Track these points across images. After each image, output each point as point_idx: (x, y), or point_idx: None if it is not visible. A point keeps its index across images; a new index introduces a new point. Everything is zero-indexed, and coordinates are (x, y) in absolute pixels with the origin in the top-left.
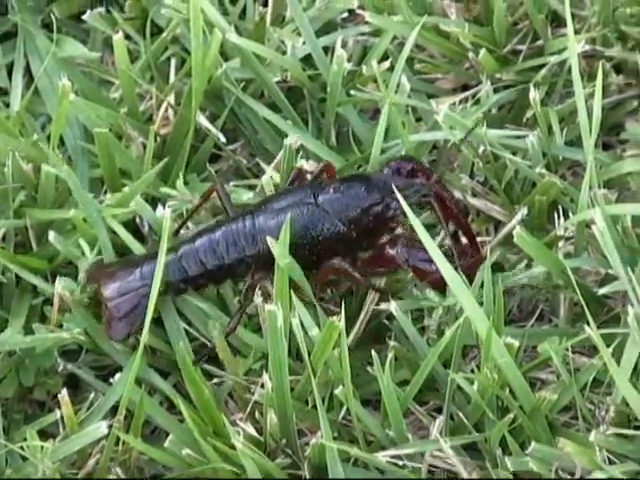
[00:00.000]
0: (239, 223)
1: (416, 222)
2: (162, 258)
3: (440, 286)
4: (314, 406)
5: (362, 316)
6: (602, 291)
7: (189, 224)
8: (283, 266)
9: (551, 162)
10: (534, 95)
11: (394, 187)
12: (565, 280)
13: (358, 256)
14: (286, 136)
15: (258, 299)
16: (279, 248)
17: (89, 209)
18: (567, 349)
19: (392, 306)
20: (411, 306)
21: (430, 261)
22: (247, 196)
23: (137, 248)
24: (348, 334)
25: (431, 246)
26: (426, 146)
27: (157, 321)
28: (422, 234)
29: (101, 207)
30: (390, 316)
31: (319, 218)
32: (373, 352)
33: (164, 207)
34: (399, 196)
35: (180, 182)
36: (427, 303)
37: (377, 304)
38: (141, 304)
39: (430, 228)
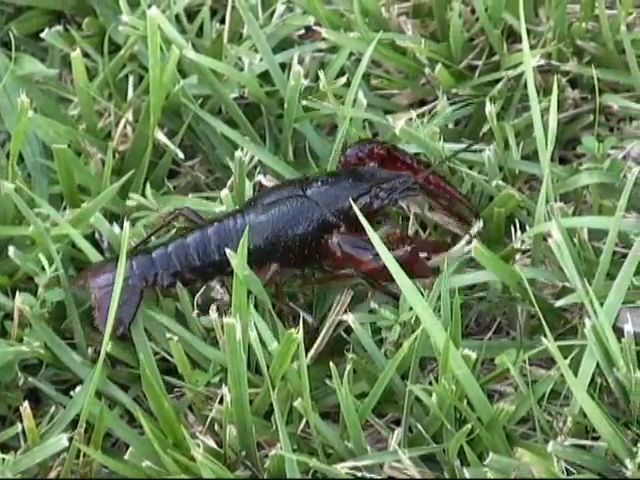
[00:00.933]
0: (230, 220)
1: (357, 213)
2: (121, 271)
3: (379, 275)
4: (274, 418)
5: (325, 329)
6: (559, 303)
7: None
8: (242, 278)
9: (508, 176)
10: (490, 109)
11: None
12: (522, 293)
13: None
14: (242, 150)
15: (214, 314)
16: (238, 259)
17: (36, 226)
18: (524, 361)
19: (350, 319)
20: (369, 319)
21: (366, 249)
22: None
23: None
24: (310, 347)
25: (375, 239)
26: None
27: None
28: (365, 225)
29: (44, 224)
30: (348, 329)
31: (308, 210)
32: (332, 365)
33: (123, 223)
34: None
35: (149, 190)
36: (383, 321)
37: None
38: (130, 294)
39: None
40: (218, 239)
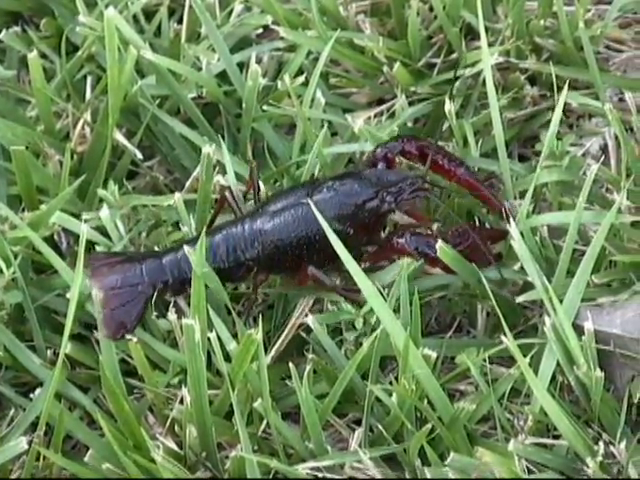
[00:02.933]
0: (238, 227)
1: (332, 237)
2: (79, 271)
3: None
4: (234, 419)
5: (287, 330)
6: (519, 299)
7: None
8: (200, 275)
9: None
10: (449, 107)
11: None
12: (482, 290)
13: (362, 251)
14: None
15: (172, 315)
16: (197, 257)
17: None
18: (485, 360)
19: (310, 319)
20: (329, 319)
21: (431, 246)
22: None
23: (59, 264)
24: (270, 348)
25: (348, 261)
26: (342, 159)
27: (77, 336)
28: (338, 248)
29: (2, 226)
30: (308, 329)
31: (315, 217)
32: (291, 365)
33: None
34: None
35: (114, 187)
36: (346, 316)
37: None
38: (137, 300)
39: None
40: (227, 245)
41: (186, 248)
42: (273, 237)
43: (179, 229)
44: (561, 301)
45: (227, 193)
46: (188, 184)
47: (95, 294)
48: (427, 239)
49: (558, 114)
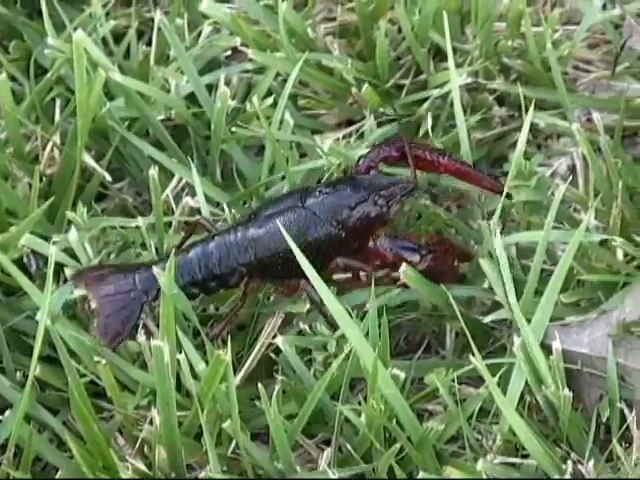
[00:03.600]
0: (231, 233)
1: (297, 252)
2: (48, 293)
3: (434, 274)
4: (203, 440)
5: (255, 351)
6: (487, 319)
7: None
8: (169, 296)
9: (438, 193)
10: (426, 126)
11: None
12: (450, 311)
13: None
14: (172, 175)
15: (141, 337)
16: (165, 278)
17: None
18: (454, 380)
19: (279, 340)
20: (301, 341)
21: (414, 250)
22: None
23: (28, 286)
24: (239, 369)
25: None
26: (312, 178)
27: (47, 358)
28: (305, 267)
29: None
30: (277, 350)
31: (308, 221)
32: (260, 385)
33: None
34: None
35: (83, 209)
36: (319, 338)
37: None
38: (131, 307)
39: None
40: (219, 253)
41: (154, 269)
42: (265, 242)
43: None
44: (529, 321)
45: (202, 219)
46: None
47: (92, 304)
48: (403, 241)
49: (524, 134)
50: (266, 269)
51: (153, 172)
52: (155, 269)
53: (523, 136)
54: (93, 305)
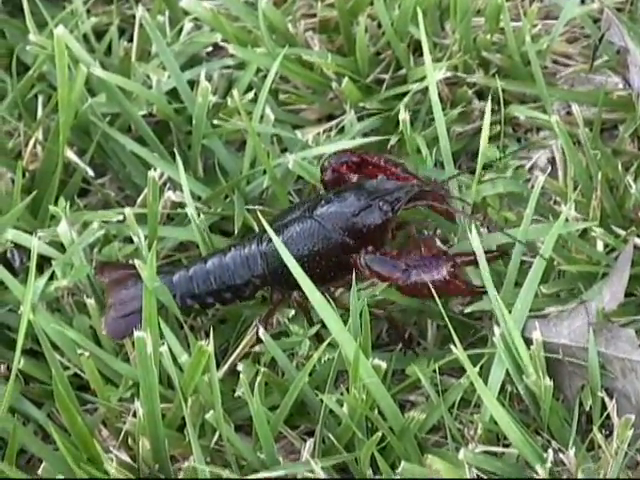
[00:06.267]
0: (246, 245)
1: (292, 263)
2: (31, 287)
3: (408, 292)
4: (186, 431)
5: (240, 347)
6: (468, 310)
7: None
8: (151, 289)
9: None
10: (404, 117)
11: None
12: (432, 303)
13: None
14: (154, 169)
15: None
16: (147, 271)
17: None
18: (435, 371)
19: (261, 332)
20: (277, 345)
21: (395, 267)
22: None
23: (10, 281)
24: (223, 362)
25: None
26: (291, 175)
27: (30, 351)
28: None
29: None
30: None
31: (316, 231)
32: (242, 377)
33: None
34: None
35: (66, 205)
36: (293, 339)
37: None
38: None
39: None
40: (234, 264)
41: (137, 262)
42: (276, 254)
43: (131, 243)
44: (510, 311)
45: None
46: (139, 201)
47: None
48: (383, 258)
49: (487, 121)
50: (280, 279)
51: (154, 174)
52: (137, 262)
53: (485, 123)
54: (109, 301)
